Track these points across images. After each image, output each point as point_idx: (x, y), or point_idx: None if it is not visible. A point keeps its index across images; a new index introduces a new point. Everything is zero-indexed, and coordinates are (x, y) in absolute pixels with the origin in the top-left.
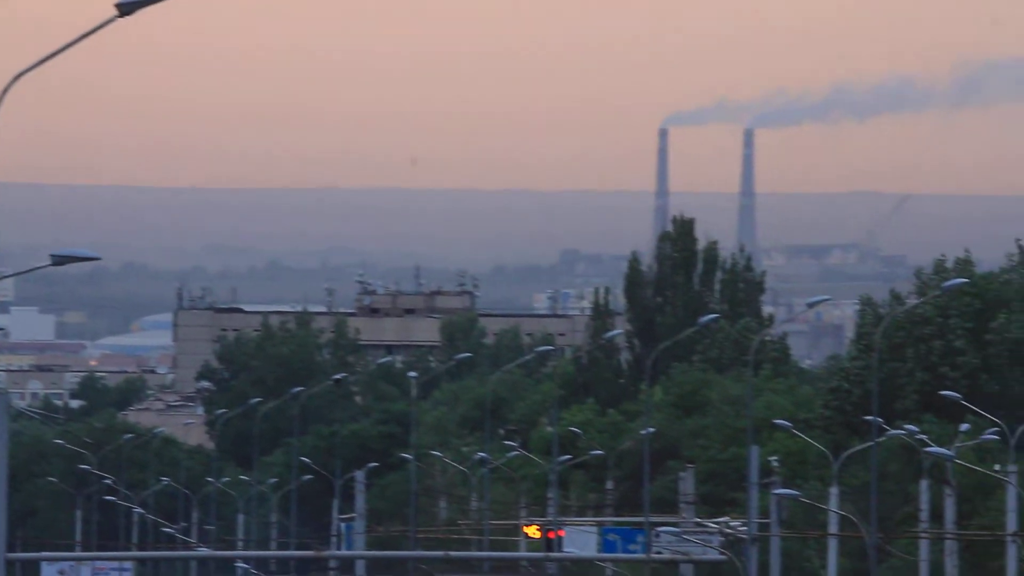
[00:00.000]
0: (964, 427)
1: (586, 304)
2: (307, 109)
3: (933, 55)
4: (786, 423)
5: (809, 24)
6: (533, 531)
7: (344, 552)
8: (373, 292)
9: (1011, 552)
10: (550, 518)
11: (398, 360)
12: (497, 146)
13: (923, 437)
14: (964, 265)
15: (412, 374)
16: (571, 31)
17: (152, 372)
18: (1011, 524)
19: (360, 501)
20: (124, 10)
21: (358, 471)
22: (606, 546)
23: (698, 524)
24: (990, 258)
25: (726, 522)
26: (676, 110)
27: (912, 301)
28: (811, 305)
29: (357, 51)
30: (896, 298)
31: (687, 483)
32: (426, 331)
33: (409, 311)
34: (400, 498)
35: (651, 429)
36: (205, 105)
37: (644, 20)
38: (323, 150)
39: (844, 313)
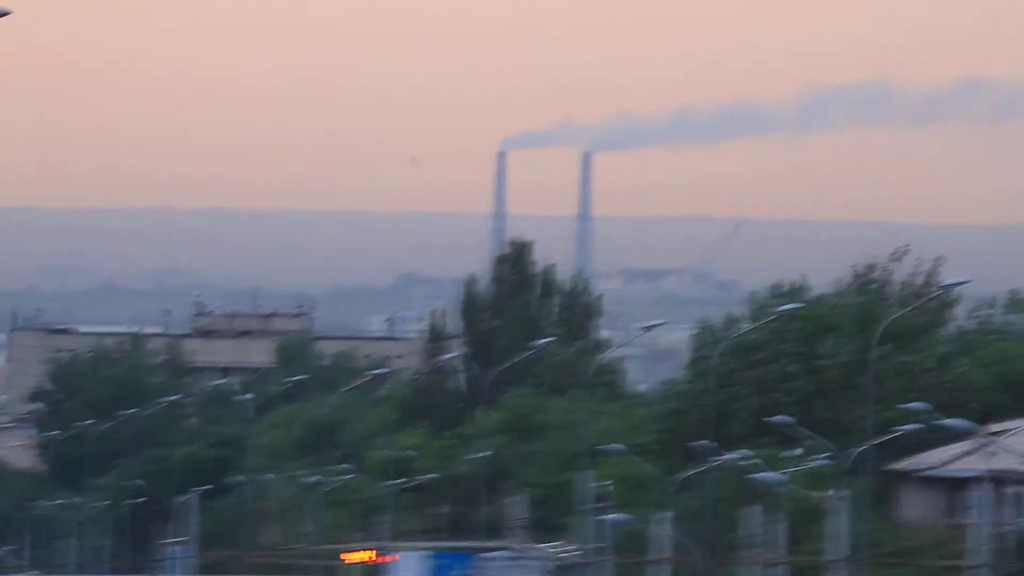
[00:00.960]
0: (795, 452)
1: (423, 327)
2: (141, 129)
3: (779, 79)
4: (619, 447)
5: (656, 47)
6: (360, 556)
7: None
8: (208, 314)
9: None
10: (381, 542)
11: (234, 382)
12: (332, 168)
13: (756, 462)
14: (797, 290)
15: (246, 396)
16: (410, 52)
17: None
18: (838, 550)
19: (192, 524)
20: None
21: (190, 494)
22: (436, 571)
23: (527, 549)
24: (824, 282)
25: (556, 547)
26: (517, 132)
27: (746, 326)
28: (646, 329)
29: (190, 73)
30: (731, 322)
31: (518, 508)
32: (261, 353)
33: (244, 333)
34: (232, 522)
35: (486, 453)
36: (38, 124)
37: (487, 41)
38: (159, 170)
39: (680, 337)
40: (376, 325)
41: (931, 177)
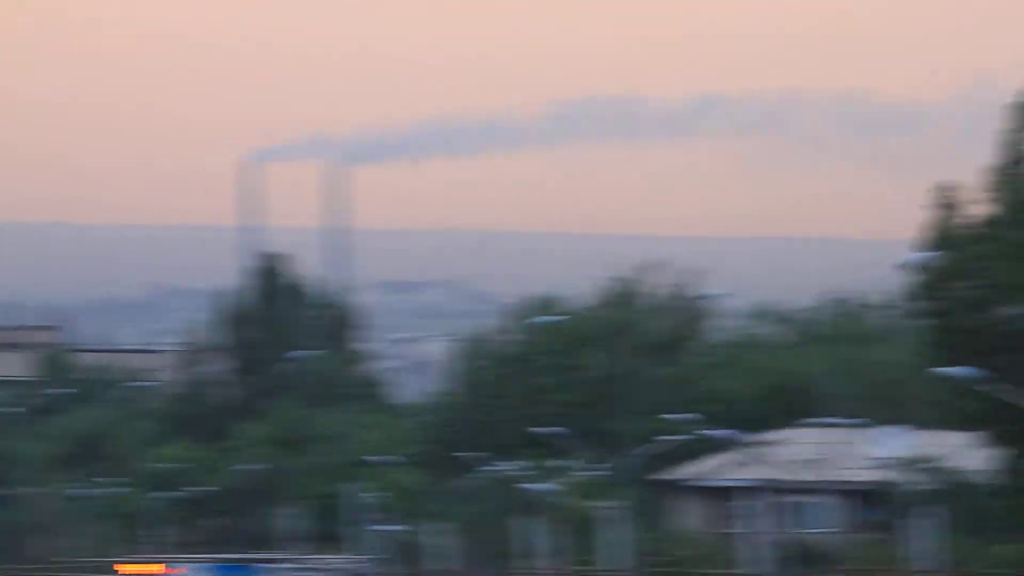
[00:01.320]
0: (565, 463)
1: (179, 339)
2: None
3: (533, 92)
4: (388, 459)
5: (408, 60)
6: (142, 568)
7: None
8: None
9: None
10: (147, 554)
11: None
12: (82, 182)
13: (519, 473)
14: (549, 303)
15: (15, 409)
16: (151, 71)
17: None
18: (616, 559)
19: None
20: None
21: None
22: None
23: (313, 559)
24: (578, 295)
25: (340, 557)
26: (266, 144)
27: (501, 338)
28: (401, 341)
29: None
30: (488, 334)
31: (292, 519)
32: (16, 366)
33: (2, 345)
34: (0, 534)
35: (257, 465)
36: None
37: (238, 48)
38: None
39: (437, 348)
40: (131, 337)
41: (678, 191)
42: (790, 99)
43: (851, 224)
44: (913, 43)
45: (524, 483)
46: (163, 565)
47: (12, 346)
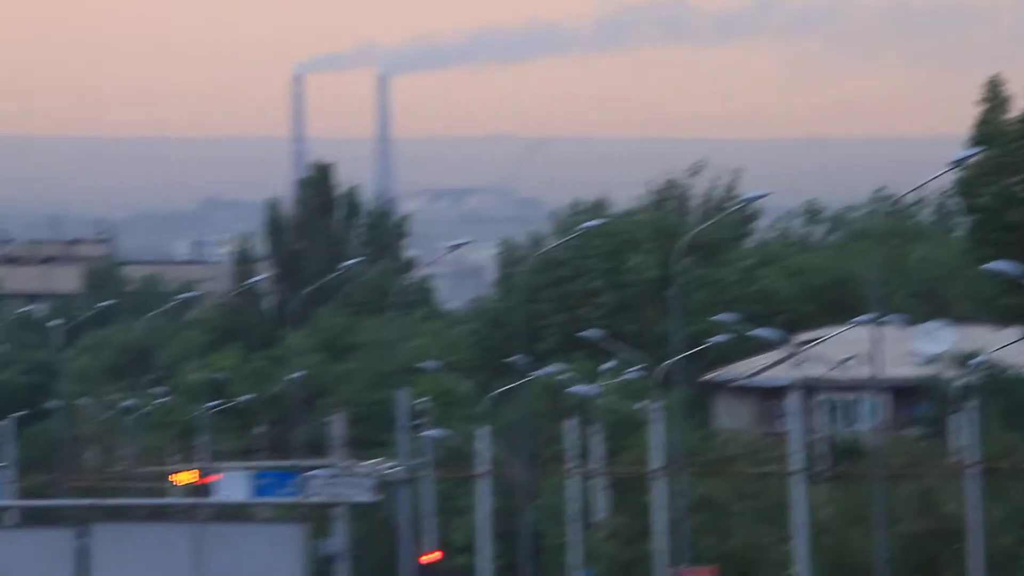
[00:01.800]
0: (607, 365)
1: (228, 251)
2: None
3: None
4: (434, 364)
5: None
6: (186, 477)
7: None
8: (10, 241)
9: (657, 489)
10: (203, 463)
11: (41, 309)
12: (129, 92)
13: (566, 377)
14: (598, 207)
15: (56, 322)
16: None
17: None
18: (656, 460)
19: (8, 450)
20: None
21: (5, 421)
22: (259, 491)
23: (350, 466)
24: (626, 199)
25: (378, 464)
26: (313, 55)
27: (551, 243)
28: (451, 248)
29: None
30: (535, 240)
31: (337, 427)
32: (67, 280)
33: (49, 259)
34: (49, 447)
35: (301, 372)
36: None
37: None
38: None
39: (485, 255)
40: (181, 249)
41: (728, 93)
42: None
43: (905, 122)
44: None
45: (569, 387)
46: (200, 473)
47: (62, 259)
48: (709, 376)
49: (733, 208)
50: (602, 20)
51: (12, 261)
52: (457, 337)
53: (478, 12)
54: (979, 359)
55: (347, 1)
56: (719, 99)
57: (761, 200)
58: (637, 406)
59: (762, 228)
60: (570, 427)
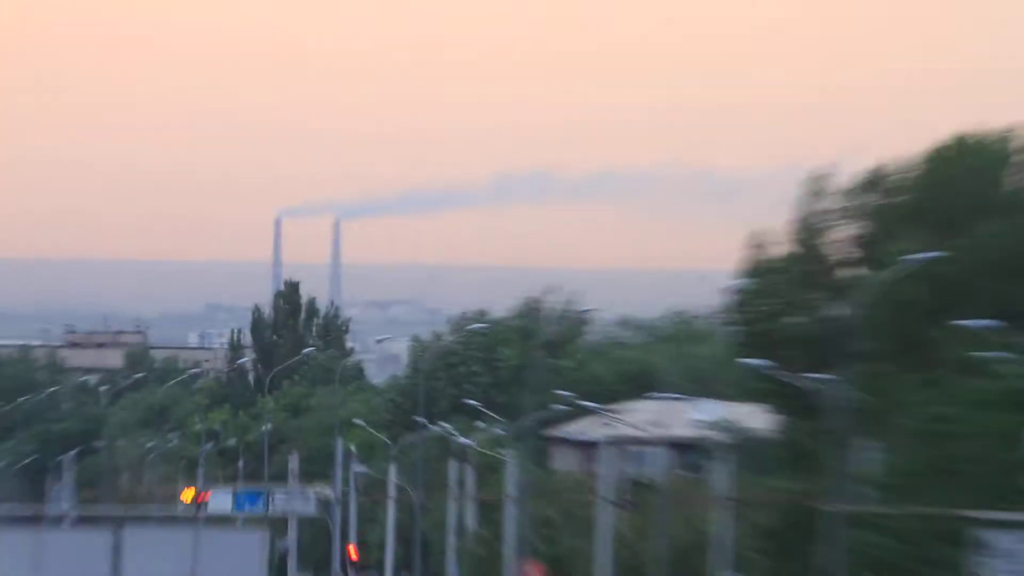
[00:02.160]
0: (482, 425)
1: (225, 341)
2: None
3: (475, 167)
4: (360, 422)
5: (398, 134)
6: (190, 494)
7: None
8: (75, 331)
9: (509, 510)
10: (200, 486)
11: (95, 379)
12: (157, 220)
13: (452, 432)
14: (480, 315)
15: (104, 387)
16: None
17: None
18: (511, 490)
19: (70, 474)
20: None
21: (69, 454)
22: (239, 505)
23: (302, 490)
24: (500, 309)
25: (321, 489)
26: (288, 203)
27: (446, 339)
28: (378, 341)
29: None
30: (436, 337)
31: (293, 463)
32: (113, 359)
33: (101, 345)
34: (97, 474)
35: (270, 425)
36: None
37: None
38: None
39: (401, 347)
40: (192, 339)
41: (581, 240)
42: (656, 173)
43: (696, 259)
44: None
45: (455, 438)
46: (193, 491)
47: (109, 344)
48: (550, 433)
49: (574, 317)
50: (494, 184)
51: (75, 345)
52: (379, 403)
53: (408, 175)
54: (734, 425)
55: (313, 167)
56: (572, 242)
57: (592, 312)
58: (500, 453)
59: (593, 332)
60: (453, 466)
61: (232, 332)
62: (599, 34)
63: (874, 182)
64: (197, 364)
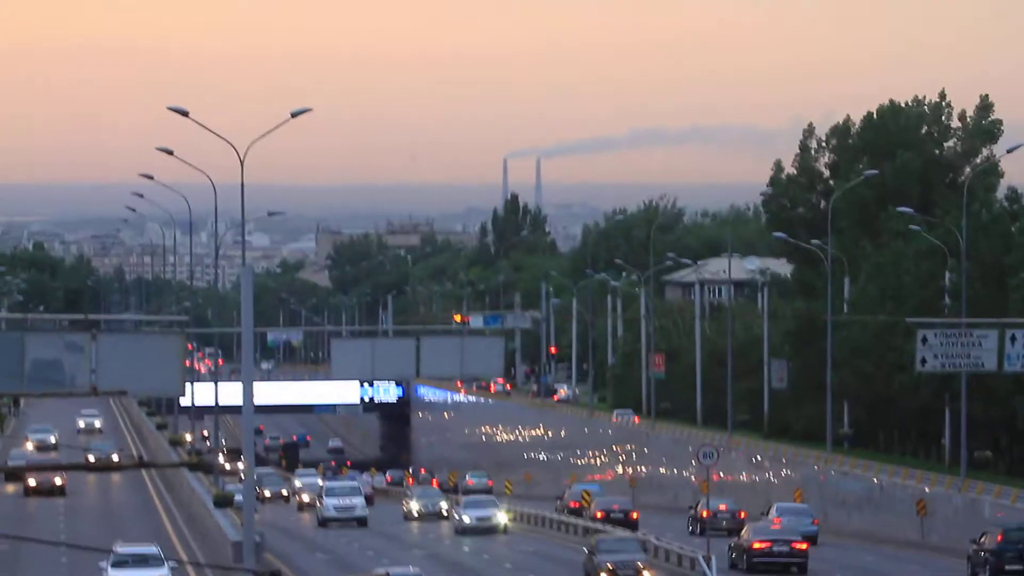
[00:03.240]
0: (624, 275)
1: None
2: None
3: None
4: (554, 273)
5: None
6: (458, 318)
7: None
8: (393, 223)
9: (642, 324)
10: (463, 312)
11: (403, 251)
12: None
13: (609, 279)
14: (624, 210)
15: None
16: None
17: None
18: (643, 311)
19: (388, 311)
20: None
21: (386, 295)
22: (486, 322)
23: (522, 314)
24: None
25: (533, 313)
26: (512, 149)
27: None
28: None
29: None
30: (597, 224)
31: (516, 298)
32: (413, 240)
33: (409, 232)
34: (407, 308)
35: (502, 277)
36: None
37: None
38: None
39: (577, 231)
40: (457, 227)
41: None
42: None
43: (742, 175)
44: None
45: (610, 282)
46: (459, 316)
47: (412, 232)
48: (664, 278)
49: (675, 211)
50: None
51: (394, 232)
52: (565, 263)
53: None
54: (769, 270)
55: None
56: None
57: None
58: (636, 289)
59: (688, 218)
60: (608, 299)
61: (480, 224)
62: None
63: (845, 130)
64: (461, 242)
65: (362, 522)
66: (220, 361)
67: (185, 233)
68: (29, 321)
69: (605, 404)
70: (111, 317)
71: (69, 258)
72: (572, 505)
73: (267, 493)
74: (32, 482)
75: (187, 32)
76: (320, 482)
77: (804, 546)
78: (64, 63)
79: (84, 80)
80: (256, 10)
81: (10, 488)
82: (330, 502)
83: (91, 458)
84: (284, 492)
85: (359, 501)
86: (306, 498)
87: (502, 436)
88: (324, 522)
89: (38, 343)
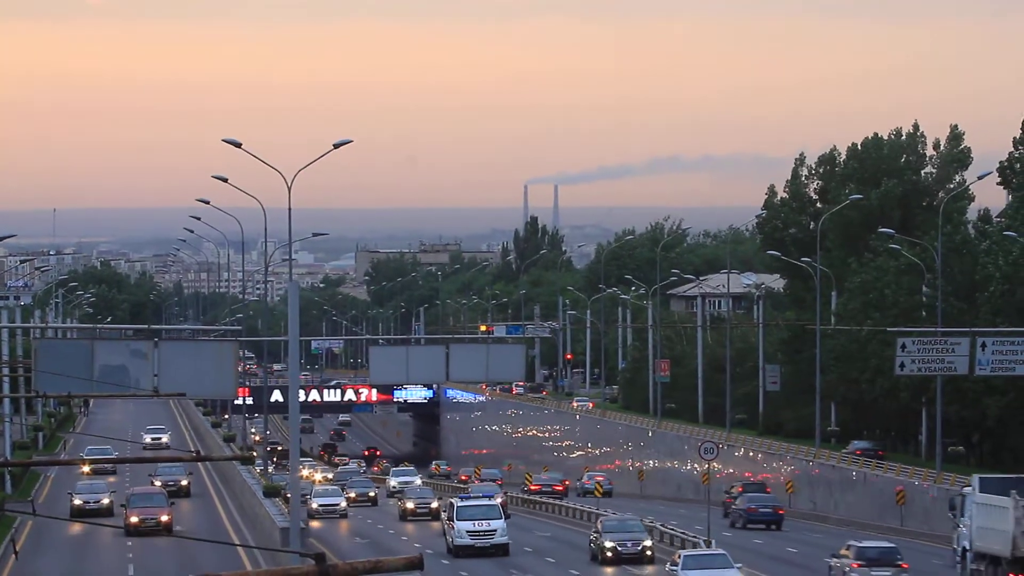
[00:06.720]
0: (632, 288)
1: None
2: None
3: None
4: (571, 288)
5: None
6: (483, 328)
7: None
8: (425, 243)
9: (648, 333)
10: (488, 323)
11: (434, 269)
12: None
13: (619, 292)
14: (632, 231)
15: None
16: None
17: None
18: (650, 321)
19: (421, 323)
20: None
21: (420, 308)
22: (509, 331)
23: (541, 325)
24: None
25: (550, 323)
26: (531, 176)
27: (614, 244)
28: (580, 246)
29: None
30: (608, 244)
31: (536, 311)
32: (443, 258)
33: (438, 251)
34: (438, 319)
35: (523, 292)
36: None
37: None
38: None
39: (590, 249)
40: (483, 246)
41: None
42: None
43: (739, 199)
44: None
45: (619, 295)
46: (485, 326)
47: (442, 251)
48: (670, 292)
49: (681, 231)
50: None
51: (425, 250)
52: (579, 278)
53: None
54: (764, 285)
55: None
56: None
57: (689, 230)
58: (644, 303)
59: (690, 239)
60: (619, 311)
61: (503, 243)
62: None
63: (831, 159)
64: (486, 260)
65: (502, 549)
66: (272, 368)
67: (238, 252)
68: (98, 331)
69: (616, 405)
70: (171, 327)
71: (133, 275)
72: (585, 483)
73: (352, 494)
74: (134, 519)
75: (241, 66)
76: (418, 481)
77: (781, 511)
78: (134, 94)
79: (147, 109)
80: (304, 48)
81: (75, 527)
82: (462, 526)
83: (157, 483)
84: (371, 493)
85: (499, 524)
86: (410, 504)
87: (523, 433)
88: (457, 551)
89: (106, 350)
